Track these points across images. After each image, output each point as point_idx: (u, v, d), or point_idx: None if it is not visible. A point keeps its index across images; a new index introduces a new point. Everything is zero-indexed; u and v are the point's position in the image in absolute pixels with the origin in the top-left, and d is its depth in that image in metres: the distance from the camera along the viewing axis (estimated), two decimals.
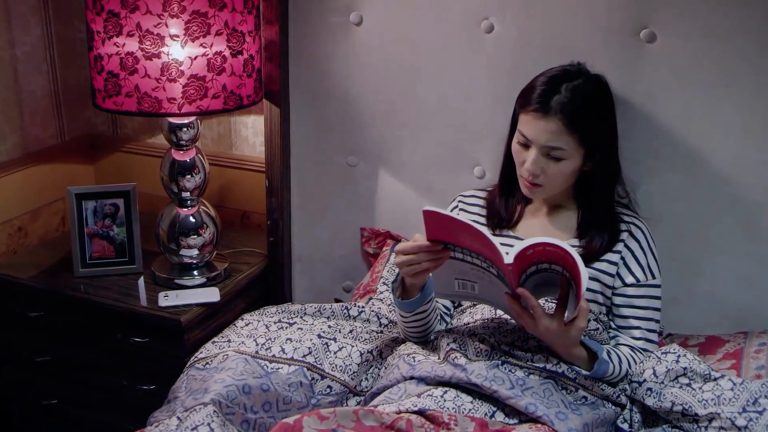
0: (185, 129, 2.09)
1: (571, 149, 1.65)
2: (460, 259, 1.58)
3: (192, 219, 2.17)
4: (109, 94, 1.93)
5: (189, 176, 2.13)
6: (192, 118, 2.09)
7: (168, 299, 2.09)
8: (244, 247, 2.41)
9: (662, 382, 1.61)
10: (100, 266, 2.25)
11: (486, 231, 1.50)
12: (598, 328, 1.70)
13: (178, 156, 2.12)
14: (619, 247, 1.73)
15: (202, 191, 2.18)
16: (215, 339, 1.84)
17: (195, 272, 2.20)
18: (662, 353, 1.66)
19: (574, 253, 1.46)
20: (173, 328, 2.05)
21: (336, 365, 1.76)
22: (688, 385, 1.59)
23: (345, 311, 1.93)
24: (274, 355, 1.74)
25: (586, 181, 1.75)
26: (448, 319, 1.87)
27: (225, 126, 2.50)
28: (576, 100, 1.63)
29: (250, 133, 2.47)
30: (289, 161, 2.25)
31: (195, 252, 2.18)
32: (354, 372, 1.77)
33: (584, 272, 1.45)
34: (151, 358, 2.12)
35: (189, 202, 2.17)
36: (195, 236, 2.16)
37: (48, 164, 2.53)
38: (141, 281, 2.14)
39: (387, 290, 2.02)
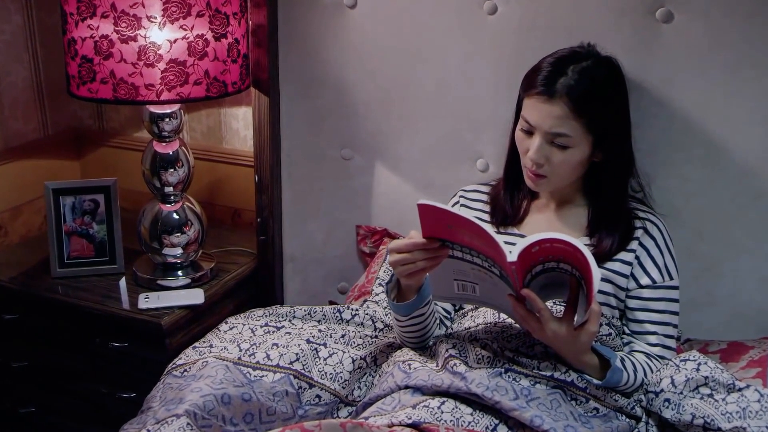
0: (167, 119, 1.98)
1: (578, 136, 1.55)
2: (459, 258, 1.47)
3: (175, 216, 2.06)
4: (84, 80, 1.82)
5: (172, 170, 2.01)
6: (175, 107, 1.98)
7: (148, 301, 1.97)
8: (234, 246, 2.30)
9: (681, 393, 1.51)
10: (79, 266, 2.14)
11: (488, 227, 1.39)
12: (610, 334, 1.61)
13: (160, 148, 2.01)
14: (634, 245, 1.63)
15: (186, 186, 2.07)
16: (196, 344, 1.72)
17: (179, 272, 2.09)
18: (681, 361, 1.56)
19: (585, 250, 1.35)
20: (154, 332, 1.93)
21: (325, 373, 1.64)
22: (710, 395, 1.48)
23: (337, 314, 1.81)
24: (258, 362, 1.62)
25: (596, 174, 1.65)
26: (448, 323, 1.76)
27: (215, 118, 2.39)
28: (583, 83, 1.54)
29: (241, 125, 2.35)
30: (280, 155, 2.15)
31: (179, 251, 2.07)
32: (345, 380, 1.65)
33: (596, 271, 1.35)
34: (131, 364, 2.01)
35: (172, 197, 2.05)
36: (179, 234, 2.05)
37: (30, 159, 2.42)
38: (122, 282, 2.03)
39: (383, 291, 1.90)
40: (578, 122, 1.54)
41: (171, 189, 2.03)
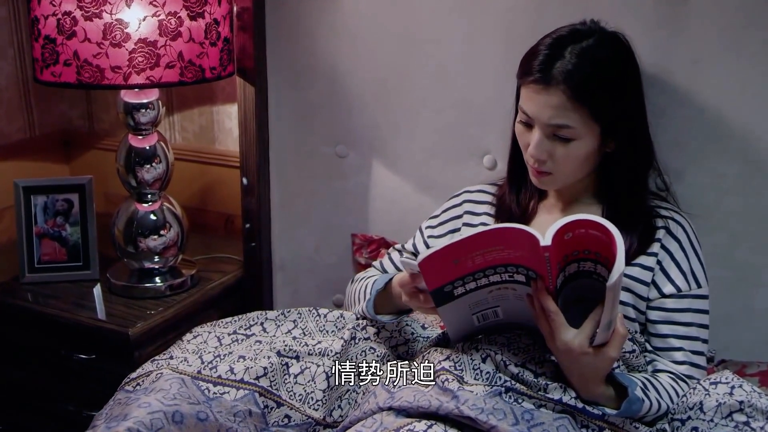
0: (143, 110, 1.84)
1: (581, 127, 1.39)
2: (474, 289, 1.32)
3: (152, 217, 1.91)
4: (47, 63, 1.68)
5: (149, 166, 1.88)
6: (152, 97, 1.84)
7: None
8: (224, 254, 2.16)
9: (712, 420, 1.33)
10: (50, 271, 2.01)
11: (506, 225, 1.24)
12: (634, 351, 1.42)
13: (136, 142, 1.88)
14: (655, 248, 1.45)
15: (165, 184, 1.93)
16: (156, 357, 1.55)
17: (157, 279, 1.94)
18: (711, 384, 1.38)
19: (618, 237, 1.17)
20: (120, 343, 1.78)
21: (295, 393, 1.46)
22: (746, 423, 1.31)
23: (314, 311, 1.65)
24: (219, 376, 1.44)
25: (610, 168, 1.48)
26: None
27: (207, 117, 2.24)
28: (583, 66, 1.38)
29: (235, 124, 2.20)
30: (268, 152, 2.00)
31: (155, 256, 1.92)
32: (318, 400, 1.47)
33: (620, 262, 1.16)
34: (97, 379, 1.85)
35: (149, 196, 1.91)
36: (155, 237, 1.90)
37: (14, 161, 2.29)
38: (97, 290, 1.91)
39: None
40: (580, 111, 1.37)
41: (147, 187, 1.89)
